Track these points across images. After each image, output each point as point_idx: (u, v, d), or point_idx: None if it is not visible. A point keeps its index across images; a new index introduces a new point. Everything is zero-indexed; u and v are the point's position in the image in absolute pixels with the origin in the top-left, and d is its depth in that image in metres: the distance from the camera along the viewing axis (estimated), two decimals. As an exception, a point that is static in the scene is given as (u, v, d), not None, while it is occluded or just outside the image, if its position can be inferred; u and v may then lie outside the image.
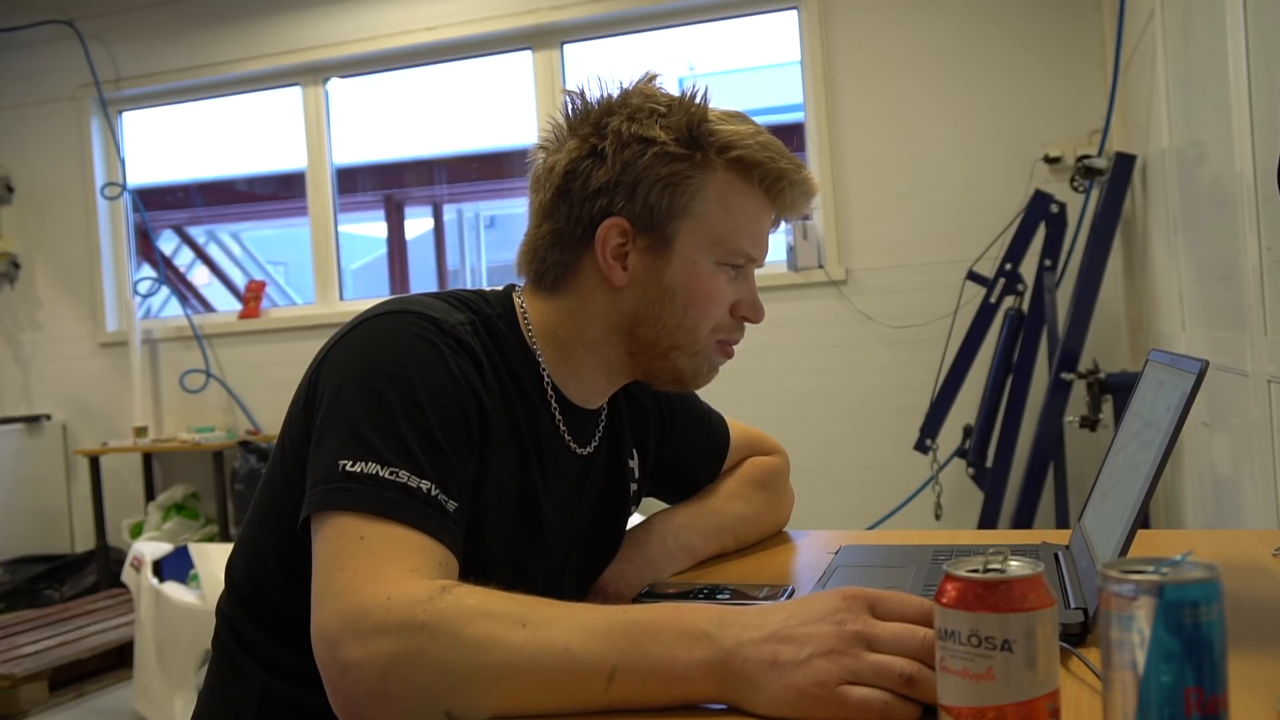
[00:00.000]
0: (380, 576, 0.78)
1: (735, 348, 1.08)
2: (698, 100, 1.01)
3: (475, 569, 0.90)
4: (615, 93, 1.02)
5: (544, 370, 1.04)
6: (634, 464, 1.18)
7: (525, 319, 1.05)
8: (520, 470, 1.01)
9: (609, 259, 1.00)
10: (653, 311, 1.02)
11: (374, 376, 0.89)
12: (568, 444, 1.07)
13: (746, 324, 1.07)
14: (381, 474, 0.84)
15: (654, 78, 1.04)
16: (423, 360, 0.91)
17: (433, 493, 0.85)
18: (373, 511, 0.82)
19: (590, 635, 0.74)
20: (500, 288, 1.10)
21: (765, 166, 1.01)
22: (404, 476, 0.84)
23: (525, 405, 1.02)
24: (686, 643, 0.73)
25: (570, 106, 1.03)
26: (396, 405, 0.87)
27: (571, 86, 1.04)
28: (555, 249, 1.03)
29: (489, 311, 1.03)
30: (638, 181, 0.99)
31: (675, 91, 1.03)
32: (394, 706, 0.75)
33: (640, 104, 1.00)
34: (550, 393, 1.05)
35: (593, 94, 1.02)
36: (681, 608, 0.77)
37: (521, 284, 1.09)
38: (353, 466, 0.84)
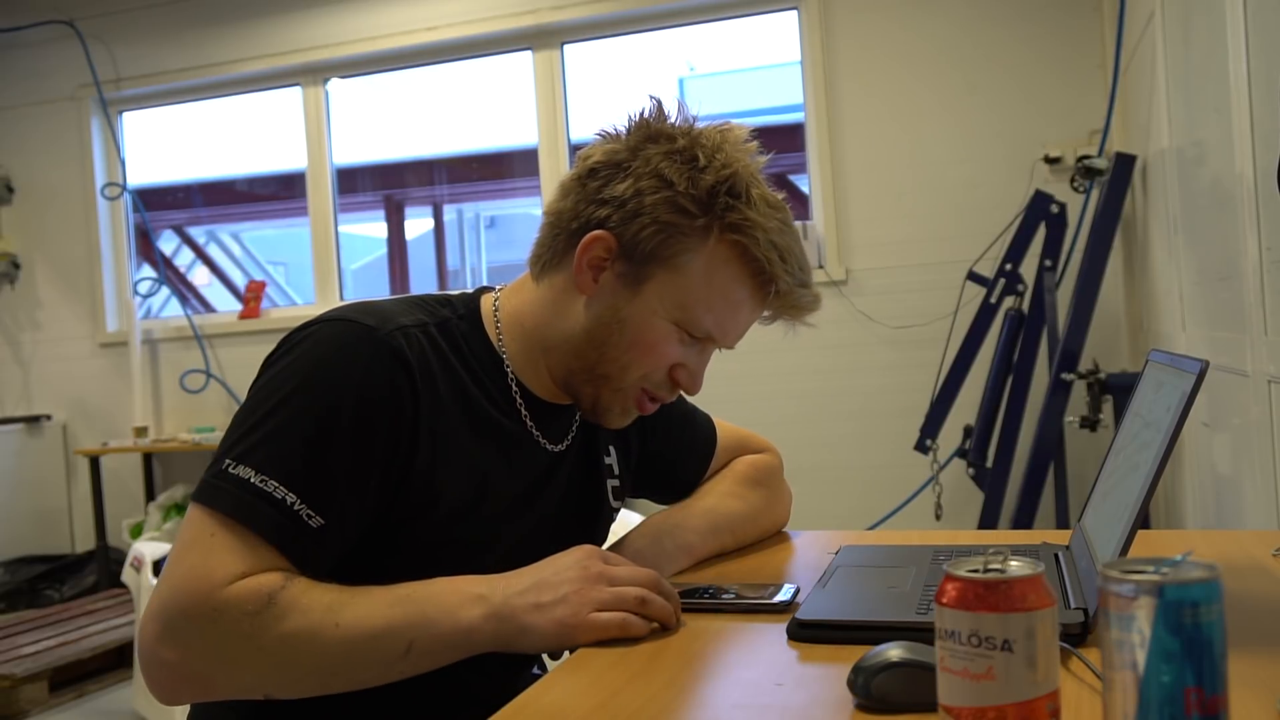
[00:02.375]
0: (212, 577, 0.86)
1: (652, 405, 1.08)
2: (739, 170, 0.99)
3: (430, 558, 0.96)
4: (678, 122, 1.02)
5: (508, 367, 1.06)
6: (611, 460, 1.19)
7: (496, 317, 1.07)
8: (479, 466, 1.02)
9: (584, 265, 1.01)
10: (601, 334, 1.02)
11: (286, 384, 0.93)
12: (536, 439, 1.08)
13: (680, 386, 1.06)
14: (253, 480, 0.89)
15: (730, 130, 1.02)
16: (339, 374, 0.93)
17: (295, 506, 0.89)
18: (231, 513, 0.88)
19: (390, 619, 0.88)
20: (470, 291, 1.12)
21: (761, 265, 1.00)
22: (271, 486, 0.89)
23: (490, 402, 1.04)
24: (466, 606, 0.90)
25: (645, 110, 1.03)
26: (294, 417, 0.91)
27: (661, 95, 1.03)
28: (553, 231, 1.05)
29: (447, 314, 1.05)
30: (640, 213, 0.99)
31: (739, 152, 1.00)
32: (210, 695, 0.89)
33: (685, 146, 1.00)
34: (515, 389, 1.06)
35: (668, 110, 1.02)
36: (457, 579, 0.92)
37: (501, 285, 1.11)
38: (233, 468, 0.89)
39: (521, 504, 1.07)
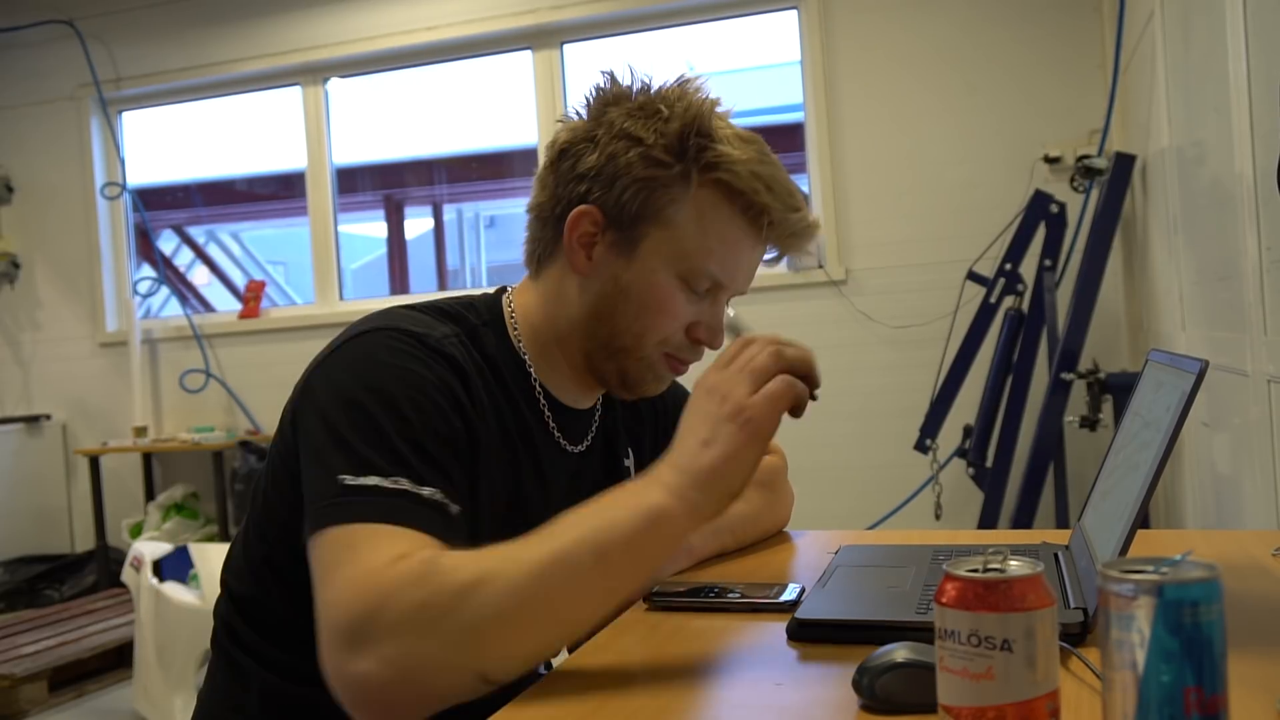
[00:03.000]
0: (370, 570, 0.77)
1: (684, 367, 1.06)
2: (704, 110, 0.99)
3: None
4: (636, 85, 1.01)
5: (531, 372, 1.05)
6: (629, 463, 1.18)
7: (513, 319, 1.06)
8: (513, 475, 1.01)
9: (574, 244, 1.01)
10: (607, 308, 1.01)
11: (358, 394, 0.88)
12: (559, 443, 1.08)
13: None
14: (383, 484, 0.83)
15: (684, 81, 1.01)
16: (405, 374, 0.90)
17: (436, 497, 0.85)
18: (379, 519, 0.81)
19: (565, 535, 0.80)
20: (491, 291, 1.10)
21: (748, 197, 0.99)
22: (405, 484, 0.84)
23: (514, 411, 1.03)
24: (641, 495, 0.84)
25: (594, 88, 1.03)
26: (385, 419, 0.87)
27: (611, 68, 1.03)
28: (538, 223, 1.05)
29: (474, 321, 1.03)
30: (617, 177, 0.98)
31: (700, 96, 1.00)
32: (426, 692, 0.76)
33: (645, 102, 1.00)
34: (540, 394, 1.05)
35: (620, 77, 1.02)
36: (621, 486, 0.87)
37: (515, 284, 1.10)
38: (353, 480, 0.83)
39: (547, 509, 1.07)
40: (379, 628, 0.75)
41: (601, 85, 1.02)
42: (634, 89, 1.01)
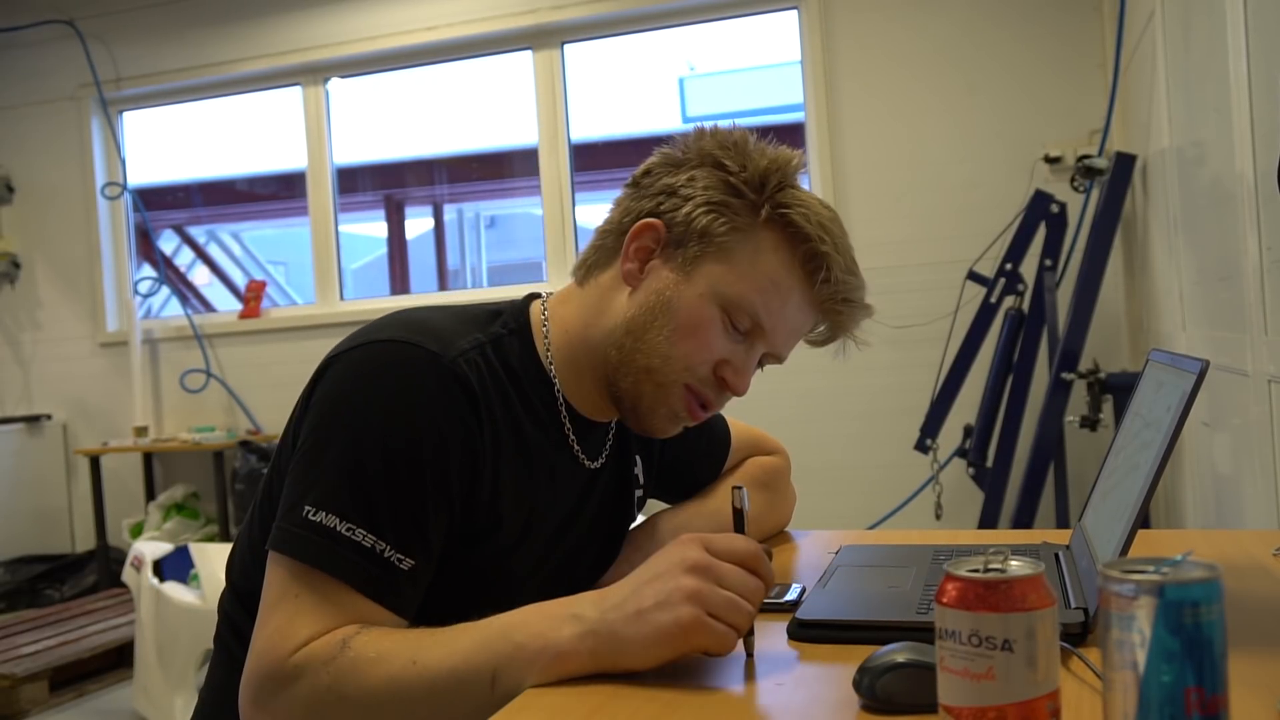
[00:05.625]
0: (295, 637, 0.83)
1: (703, 411, 1.03)
2: (794, 162, 1.01)
3: (479, 586, 0.93)
4: (736, 129, 1.03)
5: (557, 385, 1.04)
6: (638, 471, 1.18)
7: (545, 328, 1.04)
8: (530, 489, 1.01)
9: (630, 253, 1.00)
10: (644, 321, 0.99)
11: (356, 419, 0.89)
12: (579, 459, 1.07)
13: (727, 390, 1.02)
14: (339, 528, 0.86)
15: (779, 145, 1.02)
16: (407, 406, 0.90)
17: (386, 554, 0.87)
18: (319, 565, 0.85)
19: (470, 651, 0.82)
20: (520, 297, 1.09)
21: (812, 242, 0.98)
22: (360, 535, 0.86)
23: (536, 425, 1.02)
24: (555, 625, 0.82)
25: (699, 127, 1.04)
26: (370, 457, 0.88)
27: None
28: (606, 236, 1.04)
29: (499, 330, 1.02)
30: (691, 196, 0.99)
31: (793, 152, 1.02)
32: None
33: (741, 139, 1.01)
34: (562, 406, 1.04)
35: (724, 127, 1.03)
36: (545, 604, 0.85)
37: (545, 295, 1.09)
38: (314, 515, 0.86)
39: (563, 526, 1.06)
40: (281, 695, 0.83)
41: (704, 126, 1.04)
42: (733, 129, 1.03)
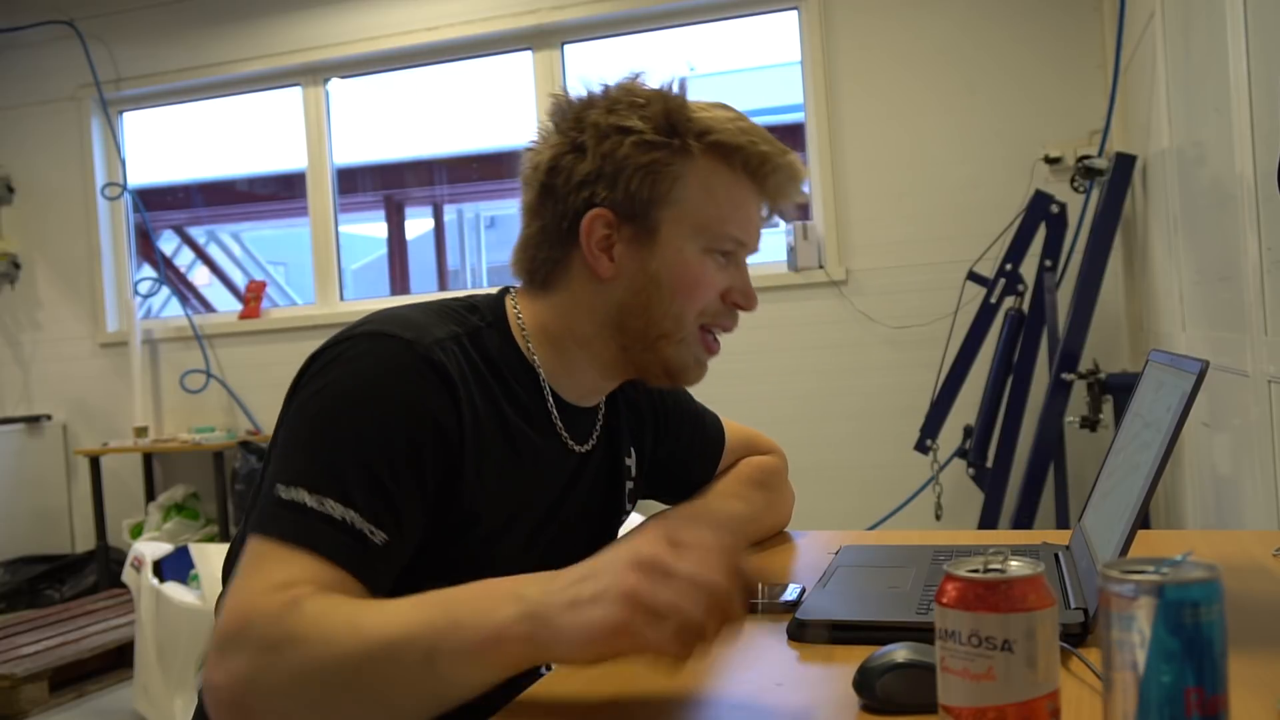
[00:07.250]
0: (253, 595, 0.80)
1: (724, 342, 1.07)
2: (675, 90, 1.01)
3: (465, 575, 0.91)
4: (598, 90, 1.03)
5: (539, 371, 1.05)
6: (630, 463, 1.18)
7: (519, 321, 1.05)
8: (515, 475, 1.01)
9: (594, 250, 1.00)
10: (640, 301, 1.01)
11: (326, 403, 0.90)
12: (565, 442, 1.07)
13: (740, 315, 1.06)
14: (308, 502, 0.84)
15: (637, 76, 1.03)
16: (381, 389, 0.90)
17: (357, 525, 0.85)
18: (290, 539, 0.83)
19: (409, 621, 0.76)
20: (494, 291, 1.10)
21: (746, 150, 1.01)
22: (329, 505, 0.84)
23: (519, 411, 1.02)
24: (496, 603, 0.75)
25: (556, 107, 1.04)
26: (342, 434, 0.88)
27: (559, 90, 1.04)
28: (544, 246, 1.04)
29: (477, 322, 1.02)
30: (618, 171, 0.99)
31: (664, 81, 1.03)
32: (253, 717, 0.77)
33: (619, 96, 1.01)
34: (547, 393, 1.05)
35: (577, 93, 1.03)
36: (497, 580, 0.78)
37: (517, 285, 1.09)
38: (285, 493, 0.85)
39: (550, 512, 1.06)
40: (233, 649, 0.78)
41: (561, 103, 1.03)
42: (597, 93, 1.02)
